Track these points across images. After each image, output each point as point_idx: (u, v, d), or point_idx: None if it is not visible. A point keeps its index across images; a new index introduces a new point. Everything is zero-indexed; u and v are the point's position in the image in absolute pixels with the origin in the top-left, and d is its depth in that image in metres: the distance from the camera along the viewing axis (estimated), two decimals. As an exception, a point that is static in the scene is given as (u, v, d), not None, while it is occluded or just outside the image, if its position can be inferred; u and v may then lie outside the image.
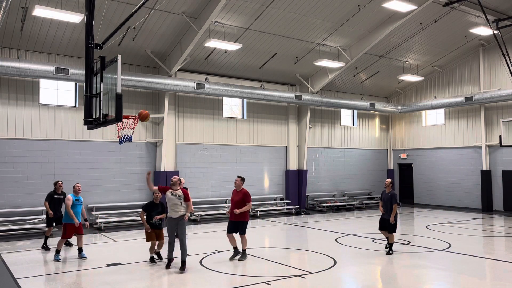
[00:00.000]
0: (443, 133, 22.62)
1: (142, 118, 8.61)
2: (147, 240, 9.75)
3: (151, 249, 9.74)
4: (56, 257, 10.00)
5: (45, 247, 11.19)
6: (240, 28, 15.59)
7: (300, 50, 17.91)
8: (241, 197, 9.85)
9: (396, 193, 11.25)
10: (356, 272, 8.96)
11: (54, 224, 11.39)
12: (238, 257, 9.95)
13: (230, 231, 10.01)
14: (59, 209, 11.39)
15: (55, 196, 11.35)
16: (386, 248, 10.92)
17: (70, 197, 10.12)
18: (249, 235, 13.61)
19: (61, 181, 11.57)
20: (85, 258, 10.10)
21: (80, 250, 10.24)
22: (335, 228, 14.98)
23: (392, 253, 10.63)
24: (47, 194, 11.41)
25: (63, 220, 10.16)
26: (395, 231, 10.75)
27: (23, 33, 13.58)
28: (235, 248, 10.06)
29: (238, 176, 10.12)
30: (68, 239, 10.96)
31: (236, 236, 10.12)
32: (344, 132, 23.05)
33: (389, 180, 10.94)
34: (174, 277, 8.47)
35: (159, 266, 9.34)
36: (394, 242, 10.87)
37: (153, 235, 9.69)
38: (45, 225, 12.88)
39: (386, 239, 11.04)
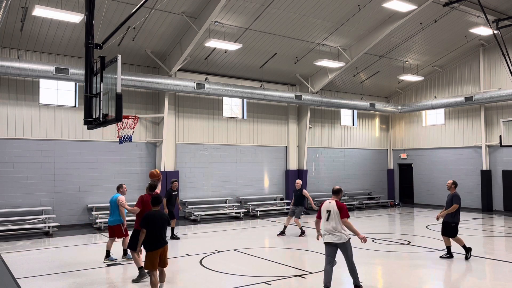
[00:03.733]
0: (443, 133, 22.61)
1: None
2: (146, 267, 6.83)
3: (153, 284, 6.81)
4: (127, 256, 9.97)
5: (175, 237, 12.78)
6: (240, 28, 15.59)
7: (300, 50, 17.91)
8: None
9: (457, 194, 10.20)
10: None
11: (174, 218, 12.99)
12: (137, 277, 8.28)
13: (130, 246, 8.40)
14: (174, 204, 13.04)
15: (173, 193, 12.88)
16: (466, 257, 10.02)
17: (123, 198, 9.68)
18: (249, 234, 13.67)
19: (176, 180, 13.05)
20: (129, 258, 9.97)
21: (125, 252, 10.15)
22: (335, 228, 14.95)
23: (470, 256, 10.00)
24: (166, 192, 12.98)
25: (111, 223, 9.69)
26: (456, 235, 10.06)
27: (23, 33, 13.58)
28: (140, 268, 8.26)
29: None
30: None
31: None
32: (344, 132, 23.05)
33: (450, 181, 10.31)
34: (174, 277, 8.47)
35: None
36: (464, 244, 10.09)
37: (156, 258, 6.86)
38: (45, 224, 13.74)
39: (446, 249, 10.31)
